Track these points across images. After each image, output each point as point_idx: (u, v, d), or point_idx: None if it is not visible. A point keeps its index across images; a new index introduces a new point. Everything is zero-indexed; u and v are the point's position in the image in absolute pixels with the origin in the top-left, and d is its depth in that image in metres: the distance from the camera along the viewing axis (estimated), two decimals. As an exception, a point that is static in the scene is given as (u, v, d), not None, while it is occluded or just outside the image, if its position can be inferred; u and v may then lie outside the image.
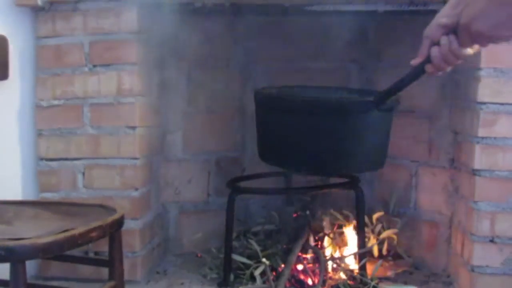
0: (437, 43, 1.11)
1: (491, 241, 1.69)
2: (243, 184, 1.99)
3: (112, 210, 1.52)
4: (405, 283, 1.87)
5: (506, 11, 0.97)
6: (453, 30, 1.08)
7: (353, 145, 1.63)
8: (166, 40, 2.03)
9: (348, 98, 1.83)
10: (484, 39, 1.04)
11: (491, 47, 1.61)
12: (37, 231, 1.29)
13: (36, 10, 1.83)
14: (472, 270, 1.71)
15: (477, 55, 1.66)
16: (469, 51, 1.11)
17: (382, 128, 1.69)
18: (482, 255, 1.70)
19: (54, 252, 1.27)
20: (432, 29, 1.12)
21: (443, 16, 1.09)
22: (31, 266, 1.86)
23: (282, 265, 1.84)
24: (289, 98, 1.73)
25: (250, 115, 1.87)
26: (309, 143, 1.62)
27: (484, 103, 1.67)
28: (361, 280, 1.82)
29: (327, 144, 1.61)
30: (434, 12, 1.12)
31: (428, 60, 1.15)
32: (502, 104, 1.67)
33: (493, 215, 1.69)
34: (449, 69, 1.15)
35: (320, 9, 1.83)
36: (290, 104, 1.67)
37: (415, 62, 1.18)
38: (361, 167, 1.73)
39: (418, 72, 1.21)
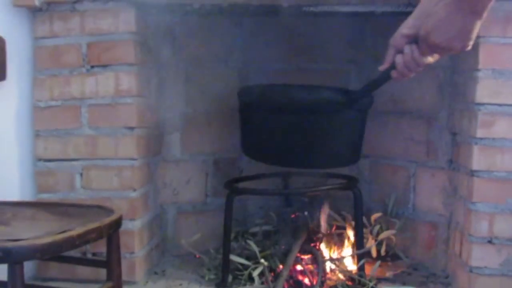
0: (401, 52, 1.21)
1: (490, 242, 1.69)
2: (241, 185, 1.99)
3: (110, 211, 1.51)
4: (404, 284, 1.87)
5: (456, 27, 1.07)
6: (414, 39, 1.18)
7: (326, 142, 1.73)
8: (164, 41, 2.03)
9: (321, 98, 1.83)
10: (440, 49, 1.14)
11: (491, 47, 1.65)
12: (35, 232, 1.28)
13: (34, 11, 1.83)
14: (471, 271, 1.71)
15: (476, 56, 1.67)
16: (430, 59, 1.21)
17: (355, 126, 1.79)
18: (481, 256, 1.70)
19: (52, 253, 1.26)
20: (396, 38, 1.22)
21: (406, 27, 1.20)
22: (28, 267, 1.86)
23: (281, 266, 1.83)
24: (265, 98, 1.77)
25: (248, 116, 1.87)
26: (286, 140, 1.72)
27: (483, 104, 1.67)
28: (359, 281, 1.82)
29: (301, 141, 1.71)
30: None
31: (393, 66, 1.25)
32: (500, 105, 1.67)
33: (492, 216, 1.69)
34: (412, 75, 1.24)
35: (318, 10, 1.82)
36: (267, 103, 1.74)
37: (382, 68, 1.29)
38: (334, 162, 1.83)
39: (385, 77, 1.31)
